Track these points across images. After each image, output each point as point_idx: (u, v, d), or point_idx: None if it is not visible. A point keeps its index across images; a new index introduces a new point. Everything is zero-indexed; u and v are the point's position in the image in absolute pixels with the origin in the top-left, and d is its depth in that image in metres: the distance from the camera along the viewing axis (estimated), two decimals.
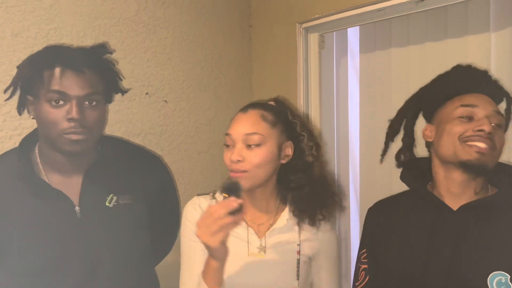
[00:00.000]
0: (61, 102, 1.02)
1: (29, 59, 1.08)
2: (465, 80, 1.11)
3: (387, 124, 1.77)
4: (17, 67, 1.11)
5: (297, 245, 1.15)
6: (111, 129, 1.53)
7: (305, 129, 1.17)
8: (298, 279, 1.14)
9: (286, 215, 1.17)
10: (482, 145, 0.99)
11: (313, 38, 1.74)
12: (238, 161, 1.07)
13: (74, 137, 1.03)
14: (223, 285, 1.05)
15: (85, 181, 1.11)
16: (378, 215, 1.18)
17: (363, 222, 1.85)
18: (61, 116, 1.02)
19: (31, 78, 1.04)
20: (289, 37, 1.78)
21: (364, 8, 1.55)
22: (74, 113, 1.01)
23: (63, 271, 1.04)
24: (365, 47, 1.79)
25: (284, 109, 1.18)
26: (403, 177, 1.16)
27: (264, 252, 1.14)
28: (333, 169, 1.92)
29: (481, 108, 1.02)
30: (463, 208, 1.01)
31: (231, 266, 1.14)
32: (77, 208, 1.08)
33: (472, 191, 1.03)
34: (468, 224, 1.00)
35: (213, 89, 1.88)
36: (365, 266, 1.15)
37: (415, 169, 1.16)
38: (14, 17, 1.30)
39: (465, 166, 1.00)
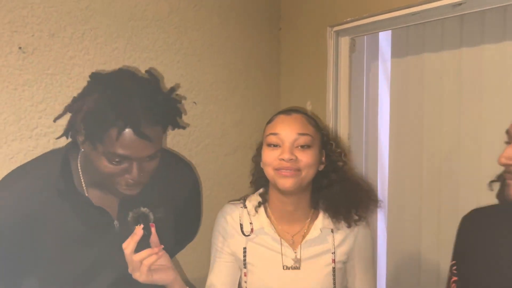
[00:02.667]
0: (121, 164, 0.97)
1: (89, 106, 0.95)
2: None
3: (417, 131, 1.75)
4: (73, 102, 1.02)
5: (332, 253, 1.14)
6: None
7: (331, 138, 1.20)
8: (334, 286, 1.13)
9: (319, 224, 1.16)
10: None
11: (344, 41, 1.72)
12: (291, 159, 1.06)
13: (129, 192, 1.01)
14: None
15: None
16: (471, 226, 1.08)
17: (390, 229, 1.83)
18: (118, 172, 0.97)
19: (90, 128, 0.95)
20: (319, 40, 1.76)
21: (398, 12, 1.51)
22: (134, 175, 0.97)
23: (96, 283, 1.04)
24: (397, 52, 1.76)
25: (314, 119, 1.19)
26: (499, 195, 1.02)
27: (299, 264, 1.13)
28: (361, 174, 1.89)
29: None
30: None
31: (266, 279, 1.14)
32: (115, 222, 1.08)
33: None
34: None
35: (241, 92, 1.87)
36: (455, 278, 1.07)
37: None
38: (51, 17, 1.33)
39: None
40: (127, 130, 0.93)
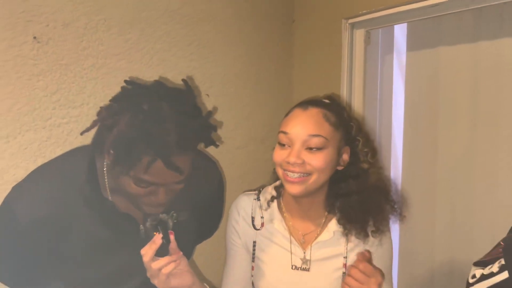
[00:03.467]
0: (148, 187, 0.94)
1: (120, 129, 0.90)
2: None
3: (432, 125, 1.73)
4: (101, 115, 0.96)
5: (344, 257, 1.09)
6: None
7: (361, 132, 1.09)
8: None
9: (333, 227, 1.10)
10: None
11: (359, 34, 1.70)
12: (296, 163, 0.99)
13: (153, 211, 0.99)
14: None
15: None
16: None
17: (401, 226, 1.81)
18: (144, 194, 0.95)
19: (120, 155, 0.91)
20: (333, 33, 1.74)
21: (414, 4, 1.48)
22: (161, 198, 0.95)
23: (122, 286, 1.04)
24: (412, 45, 1.74)
25: (340, 109, 1.09)
26: None
27: (308, 265, 1.09)
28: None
29: None
30: None
31: (273, 277, 1.12)
32: (141, 226, 1.06)
33: None
34: None
35: (252, 85, 1.86)
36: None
37: None
38: (66, 7, 1.32)
39: None
40: (159, 161, 0.88)
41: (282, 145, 1.03)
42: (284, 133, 1.02)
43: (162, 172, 0.90)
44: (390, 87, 1.83)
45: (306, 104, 1.06)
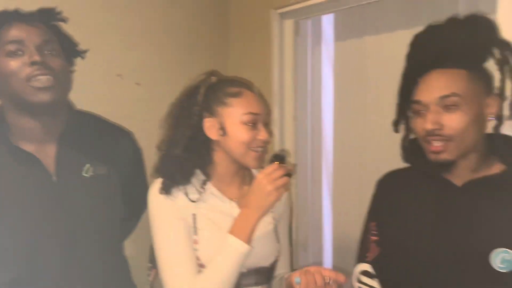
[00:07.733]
0: (20, 52, 1.01)
1: None
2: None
3: (361, 113, 1.79)
4: None
5: (271, 211, 1.14)
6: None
7: None
8: (278, 242, 1.18)
9: None
10: (434, 147, 0.97)
11: (288, 24, 1.75)
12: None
13: (40, 80, 1.01)
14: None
15: (60, 150, 1.09)
16: (387, 188, 1.15)
17: (335, 212, 1.88)
18: (22, 63, 1.00)
19: None
20: (264, 23, 1.78)
21: None
22: (35, 57, 1.00)
23: (39, 236, 1.03)
24: (339, 35, 1.80)
25: None
26: (406, 159, 1.12)
27: None
28: (305, 158, 1.93)
29: None
30: (467, 184, 0.98)
31: (219, 242, 1.09)
32: (54, 178, 1.07)
33: (467, 170, 0.98)
34: (472, 200, 0.97)
35: (188, 74, 1.85)
36: (376, 238, 1.11)
37: (416, 149, 1.07)
38: None
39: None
40: (14, 22, 1.03)
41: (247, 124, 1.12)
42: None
43: (23, 29, 1.03)
44: (320, 77, 1.89)
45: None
